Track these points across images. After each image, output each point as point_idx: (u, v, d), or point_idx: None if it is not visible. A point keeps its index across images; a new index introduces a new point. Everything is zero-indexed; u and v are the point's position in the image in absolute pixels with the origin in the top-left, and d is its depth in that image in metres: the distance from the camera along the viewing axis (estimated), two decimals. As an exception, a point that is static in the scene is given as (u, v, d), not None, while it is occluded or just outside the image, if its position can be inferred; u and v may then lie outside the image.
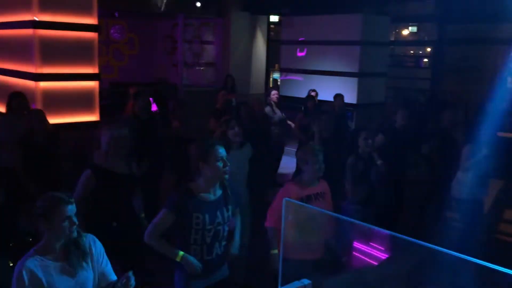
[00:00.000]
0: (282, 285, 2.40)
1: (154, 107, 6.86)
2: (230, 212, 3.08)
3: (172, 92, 9.36)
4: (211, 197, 3.00)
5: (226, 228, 3.06)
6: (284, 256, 3.13)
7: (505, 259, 5.92)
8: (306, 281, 2.51)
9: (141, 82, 11.75)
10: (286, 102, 9.58)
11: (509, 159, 6.49)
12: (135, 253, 3.82)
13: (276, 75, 13.83)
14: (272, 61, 13.60)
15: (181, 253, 2.93)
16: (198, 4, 11.18)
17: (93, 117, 6.77)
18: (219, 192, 3.05)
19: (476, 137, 5.77)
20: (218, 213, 2.99)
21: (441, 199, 6.50)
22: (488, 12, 10.29)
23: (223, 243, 3.07)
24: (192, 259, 2.93)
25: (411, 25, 13.74)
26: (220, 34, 12.17)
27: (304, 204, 2.84)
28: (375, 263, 3.76)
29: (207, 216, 2.94)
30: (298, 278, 2.52)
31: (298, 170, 4.03)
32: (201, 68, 12.45)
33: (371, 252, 3.94)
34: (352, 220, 2.42)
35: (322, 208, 3.48)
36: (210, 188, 3.00)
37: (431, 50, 12.57)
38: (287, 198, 2.46)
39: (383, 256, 3.87)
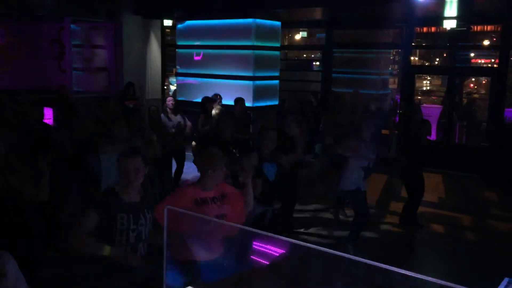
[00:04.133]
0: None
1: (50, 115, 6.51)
2: (151, 214, 3.28)
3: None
4: (134, 198, 3.24)
5: (147, 230, 3.26)
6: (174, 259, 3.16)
7: (390, 247, 6.38)
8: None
9: (25, 89, 11.00)
10: (183, 107, 9.50)
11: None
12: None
13: (172, 79, 13.69)
14: (170, 66, 13.44)
15: (109, 246, 3.02)
16: (84, 8, 10.71)
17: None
18: (140, 195, 3.30)
19: (361, 135, 6.17)
20: (141, 214, 3.22)
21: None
22: (372, 18, 11.07)
23: (146, 244, 3.25)
24: (122, 250, 3.07)
25: (302, 30, 14.34)
26: (111, 38, 11.75)
27: (185, 211, 2.82)
28: (267, 262, 3.86)
29: (131, 217, 3.14)
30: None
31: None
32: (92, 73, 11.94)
33: (265, 251, 4.03)
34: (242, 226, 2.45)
35: (221, 212, 3.55)
36: (132, 190, 3.22)
37: (321, 54, 13.19)
38: (169, 206, 2.43)
39: (276, 254, 3.99)
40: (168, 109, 7.75)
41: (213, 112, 7.92)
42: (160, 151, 5.45)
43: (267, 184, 4.79)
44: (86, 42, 11.57)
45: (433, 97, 15.79)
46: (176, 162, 7.76)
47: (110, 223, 3.08)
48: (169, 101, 7.92)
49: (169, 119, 7.61)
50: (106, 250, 2.98)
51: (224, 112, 7.52)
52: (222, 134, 5.80)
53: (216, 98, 8.33)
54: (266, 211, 4.91)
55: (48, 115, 9.18)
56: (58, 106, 8.23)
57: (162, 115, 7.61)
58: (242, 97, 9.77)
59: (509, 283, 3.34)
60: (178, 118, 7.69)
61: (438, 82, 17.53)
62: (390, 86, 14.19)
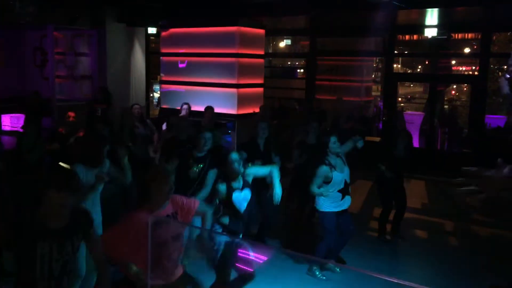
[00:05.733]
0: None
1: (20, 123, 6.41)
2: (80, 242, 2.85)
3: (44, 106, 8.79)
4: (58, 224, 2.75)
5: (76, 261, 2.85)
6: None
7: (372, 252, 6.40)
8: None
9: (7, 97, 10.88)
10: (167, 115, 9.47)
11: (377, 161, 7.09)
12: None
13: (156, 86, 13.65)
14: (154, 73, 13.40)
15: None
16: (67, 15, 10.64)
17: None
18: (66, 220, 2.79)
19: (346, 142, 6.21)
20: (67, 242, 2.77)
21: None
22: (355, 27, 11.20)
23: (75, 279, 2.85)
24: None
25: (286, 38, 14.45)
26: (95, 46, 11.69)
27: (167, 219, 2.79)
28: (251, 270, 3.87)
29: (54, 246, 2.70)
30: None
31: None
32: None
33: (250, 258, 4.04)
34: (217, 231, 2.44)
35: (178, 225, 3.31)
36: (55, 216, 2.74)
37: (305, 62, 13.29)
38: (151, 220, 2.37)
39: (261, 261, 4.00)
40: (134, 118, 7.55)
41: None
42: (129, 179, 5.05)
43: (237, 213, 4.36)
44: (69, 50, 11.49)
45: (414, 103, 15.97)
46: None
47: (28, 253, 2.64)
48: (136, 109, 7.70)
49: (137, 127, 7.40)
50: None
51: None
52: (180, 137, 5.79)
53: (183, 107, 8.34)
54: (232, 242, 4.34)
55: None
56: (26, 113, 8.09)
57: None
58: (227, 104, 9.82)
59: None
60: (144, 128, 7.50)
61: (420, 89, 17.78)
62: (374, 93, 14.36)
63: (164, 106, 10.95)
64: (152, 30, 12.65)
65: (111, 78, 11.82)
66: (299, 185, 6.57)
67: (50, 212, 2.68)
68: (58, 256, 2.70)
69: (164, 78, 11.14)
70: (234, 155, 4.31)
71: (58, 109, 10.32)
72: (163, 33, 11.08)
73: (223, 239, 4.13)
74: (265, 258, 4.01)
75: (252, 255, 4.11)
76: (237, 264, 4.18)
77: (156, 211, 3.17)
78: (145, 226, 2.95)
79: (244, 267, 3.90)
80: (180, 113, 8.35)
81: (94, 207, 4.21)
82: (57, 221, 2.72)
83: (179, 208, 3.33)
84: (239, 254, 4.16)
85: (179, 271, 3.36)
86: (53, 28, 10.52)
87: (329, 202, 5.31)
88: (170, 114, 7.97)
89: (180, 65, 10.79)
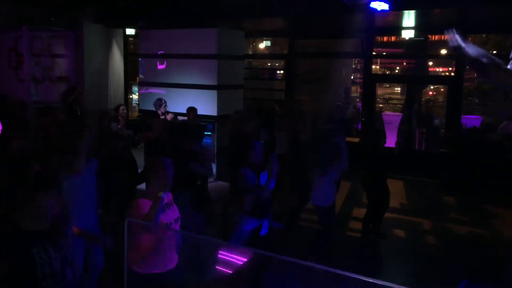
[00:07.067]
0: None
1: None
2: (70, 229, 2.98)
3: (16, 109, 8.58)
4: (44, 224, 2.78)
5: (71, 249, 2.87)
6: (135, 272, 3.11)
7: (354, 254, 6.44)
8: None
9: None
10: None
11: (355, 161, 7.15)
12: None
13: (135, 88, 13.53)
14: (134, 75, 13.27)
15: None
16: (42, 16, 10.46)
17: None
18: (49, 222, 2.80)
19: (326, 144, 6.25)
20: (59, 236, 2.81)
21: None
22: (333, 28, 11.28)
23: (75, 265, 2.91)
24: None
25: (265, 40, 14.47)
26: (72, 47, 11.52)
27: (143, 222, 2.79)
28: (230, 271, 3.86)
29: (48, 246, 2.71)
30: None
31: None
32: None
33: (230, 259, 4.02)
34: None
35: (176, 215, 3.66)
36: (42, 217, 2.75)
37: (284, 63, 13.32)
38: (129, 219, 2.40)
39: (240, 262, 3.99)
40: (120, 118, 7.60)
41: (168, 117, 8.16)
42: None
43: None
44: (45, 51, 11.29)
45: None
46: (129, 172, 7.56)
47: (27, 264, 2.65)
48: (122, 109, 7.80)
49: (121, 128, 7.44)
50: None
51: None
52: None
53: (161, 103, 8.33)
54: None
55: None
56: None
57: (113, 124, 7.42)
58: (206, 106, 9.79)
59: (466, 285, 3.45)
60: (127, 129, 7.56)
61: (398, 90, 18.00)
62: (353, 95, 14.48)
63: (143, 109, 10.85)
64: (130, 31, 12.53)
65: (88, 79, 11.66)
66: None
67: (35, 215, 2.71)
68: (56, 254, 2.75)
69: (143, 80, 11.05)
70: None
71: (33, 111, 10.13)
72: (142, 34, 11.00)
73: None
74: (245, 260, 4.01)
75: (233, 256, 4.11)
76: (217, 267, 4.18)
77: (156, 199, 3.37)
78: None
79: (224, 269, 3.89)
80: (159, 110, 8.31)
81: (89, 209, 4.27)
82: (41, 222, 2.75)
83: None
84: (219, 255, 4.16)
85: (175, 260, 3.53)
86: (29, 29, 10.34)
87: None
88: (151, 116, 7.96)
89: (159, 66, 10.71)
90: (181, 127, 6.63)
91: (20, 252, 2.64)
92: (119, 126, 7.43)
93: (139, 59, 11.12)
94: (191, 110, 8.20)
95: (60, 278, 2.79)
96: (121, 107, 7.94)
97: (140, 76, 11.22)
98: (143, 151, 8.06)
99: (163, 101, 8.36)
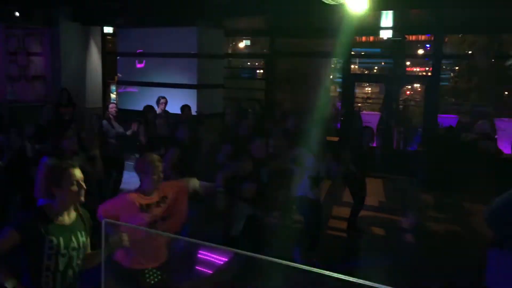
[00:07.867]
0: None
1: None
2: (84, 237, 2.92)
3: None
4: (66, 220, 2.86)
5: (81, 256, 2.89)
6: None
7: (335, 252, 6.48)
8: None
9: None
10: (125, 116, 9.30)
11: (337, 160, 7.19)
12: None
13: (113, 87, 13.36)
14: (112, 73, 13.11)
15: (15, 281, 2.69)
16: (17, 13, 10.26)
17: None
18: (73, 215, 2.91)
19: (306, 142, 6.27)
20: (73, 238, 2.85)
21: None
22: (313, 28, 11.32)
23: (77, 272, 2.88)
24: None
25: (245, 39, 14.44)
26: (48, 45, 11.33)
27: (121, 223, 2.78)
28: (211, 272, 3.84)
29: (61, 240, 2.77)
30: None
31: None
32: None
33: (210, 259, 4.01)
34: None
35: (166, 214, 3.62)
36: (64, 211, 2.85)
37: (264, 62, 13.33)
38: (106, 219, 2.38)
39: (221, 262, 3.97)
40: (111, 116, 7.62)
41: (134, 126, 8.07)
42: (103, 171, 5.24)
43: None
44: (21, 49, 11.09)
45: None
46: (115, 172, 7.55)
47: (36, 246, 2.75)
48: (112, 108, 7.82)
49: (112, 126, 7.47)
50: (11, 282, 2.67)
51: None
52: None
53: (160, 100, 8.35)
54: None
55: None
56: None
57: (104, 122, 7.42)
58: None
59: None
60: (119, 126, 7.59)
61: (376, 89, 18.17)
62: (332, 94, 14.55)
63: (121, 108, 10.73)
64: (108, 30, 12.37)
65: (65, 78, 11.49)
66: None
67: (61, 207, 2.82)
68: (64, 251, 2.80)
69: (121, 79, 10.93)
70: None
71: (9, 111, 9.95)
72: (120, 32, 10.89)
73: None
74: (226, 259, 4.01)
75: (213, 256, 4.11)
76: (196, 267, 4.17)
77: (146, 196, 3.44)
78: (134, 205, 3.37)
79: (204, 269, 3.88)
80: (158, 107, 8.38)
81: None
82: (64, 217, 2.85)
83: (171, 191, 3.62)
84: (199, 255, 4.15)
85: (164, 256, 3.54)
86: (3, 27, 10.13)
87: None
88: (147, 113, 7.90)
89: (138, 65, 10.62)
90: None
91: (34, 235, 2.72)
92: (111, 124, 7.45)
93: (117, 57, 11.00)
94: (185, 107, 8.19)
95: (60, 276, 2.83)
96: (111, 105, 8.00)
97: (119, 75, 11.10)
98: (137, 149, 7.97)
99: (161, 99, 8.42)
